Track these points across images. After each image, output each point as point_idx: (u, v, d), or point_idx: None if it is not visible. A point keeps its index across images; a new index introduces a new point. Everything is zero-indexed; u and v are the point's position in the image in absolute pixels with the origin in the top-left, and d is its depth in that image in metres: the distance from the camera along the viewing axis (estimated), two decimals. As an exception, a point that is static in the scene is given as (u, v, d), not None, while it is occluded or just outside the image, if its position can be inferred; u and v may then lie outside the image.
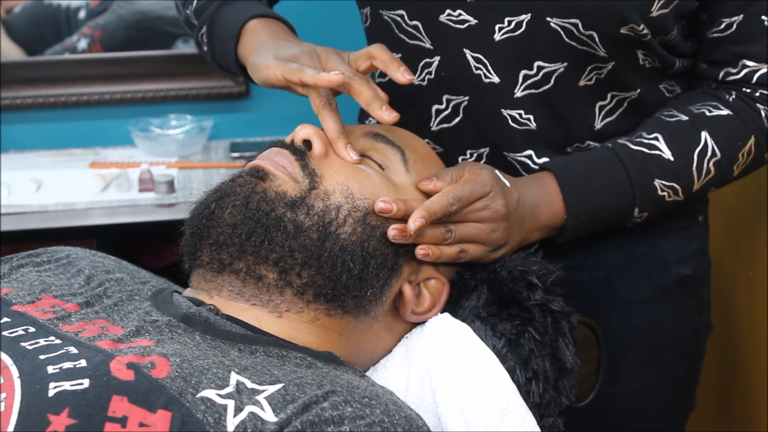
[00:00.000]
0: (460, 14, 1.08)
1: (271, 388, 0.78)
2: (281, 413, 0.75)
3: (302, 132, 0.99)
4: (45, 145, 2.26)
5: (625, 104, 1.14)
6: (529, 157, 1.14)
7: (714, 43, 1.13)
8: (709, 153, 1.10)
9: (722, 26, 1.11)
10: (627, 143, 1.11)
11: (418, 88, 1.15)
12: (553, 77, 1.09)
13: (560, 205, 1.08)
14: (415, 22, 1.12)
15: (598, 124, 1.14)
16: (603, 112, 1.14)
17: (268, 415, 0.75)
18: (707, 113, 1.12)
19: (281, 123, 2.30)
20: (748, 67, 1.11)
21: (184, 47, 2.30)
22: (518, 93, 1.10)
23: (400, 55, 1.15)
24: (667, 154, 1.10)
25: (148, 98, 2.27)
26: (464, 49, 1.10)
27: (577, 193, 1.08)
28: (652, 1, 1.04)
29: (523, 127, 1.12)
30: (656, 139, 1.10)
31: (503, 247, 1.03)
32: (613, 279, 1.22)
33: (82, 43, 2.29)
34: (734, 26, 1.10)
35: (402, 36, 1.14)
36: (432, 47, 1.12)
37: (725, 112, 1.12)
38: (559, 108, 1.12)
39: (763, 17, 1.09)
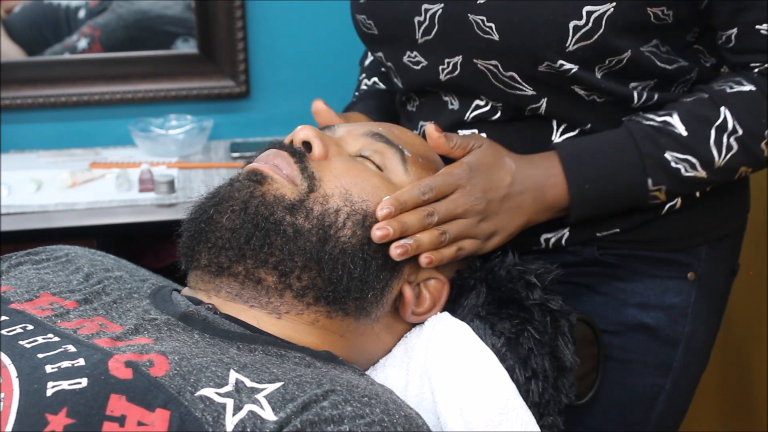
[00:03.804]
0: (416, 56, 1.13)
1: (271, 387, 0.78)
2: (281, 412, 0.75)
3: (302, 133, 0.99)
4: (45, 145, 2.26)
5: (580, 132, 1.13)
6: None
7: (723, 52, 1.11)
8: (730, 128, 1.06)
9: (723, 38, 1.09)
10: (639, 119, 1.09)
11: (409, 113, 1.23)
12: (499, 109, 1.12)
13: (563, 178, 1.07)
14: (389, 63, 1.18)
15: (557, 138, 1.13)
16: (562, 128, 1.13)
17: (268, 414, 0.75)
18: (728, 89, 1.08)
19: (281, 123, 2.30)
20: (758, 68, 1.08)
21: (184, 47, 2.30)
22: (468, 118, 1.14)
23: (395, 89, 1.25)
24: (680, 128, 1.07)
25: (148, 98, 2.27)
26: (425, 87, 1.16)
27: (578, 162, 1.07)
28: (565, 36, 1.02)
29: None
30: (669, 115, 1.08)
31: (495, 235, 1.04)
32: (568, 298, 1.19)
33: (82, 43, 2.28)
34: (733, 39, 1.08)
35: (389, 73, 1.22)
36: (402, 87, 1.19)
37: (747, 87, 1.08)
38: (509, 133, 1.13)
39: (757, 26, 1.06)
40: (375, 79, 1.37)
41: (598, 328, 1.13)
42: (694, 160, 1.07)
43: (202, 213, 0.95)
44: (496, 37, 1.04)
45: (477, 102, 1.13)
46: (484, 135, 1.13)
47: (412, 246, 0.95)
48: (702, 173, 1.07)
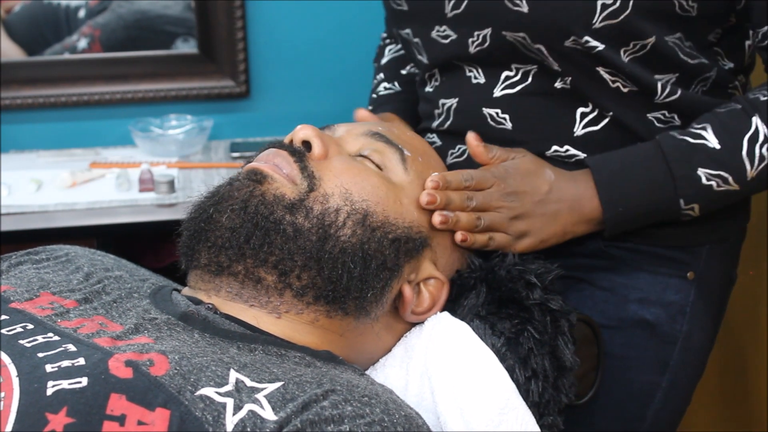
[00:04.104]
0: (444, 29, 1.15)
1: (271, 387, 0.78)
2: (281, 412, 0.75)
3: (302, 133, 0.99)
4: (45, 145, 2.26)
5: (608, 118, 1.13)
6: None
7: (759, 51, 1.11)
8: (761, 138, 1.07)
9: (760, 36, 1.09)
10: (674, 134, 1.09)
11: (427, 95, 1.25)
12: (530, 75, 1.13)
13: (598, 200, 1.09)
14: (417, 39, 1.20)
15: (579, 131, 1.14)
16: (585, 121, 1.14)
17: (268, 414, 0.75)
18: (761, 98, 1.08)
19: (281, 123, 2.30)
20: None
21: (184, 47, 2.30)
22: (497, 92, 1.15)
23: (417, 68, 1.26)
24: (713, 142, 1.07)
25: (148, 98, 2.27)
26: (453, 61, 1.17)
27: (611, 188, 1.09)
28: (593, 12, 1.04)
29: (499, 126, 1.16)
30: (704, 129, 1.08)
31: (527, 237, 1.07)
32: (570, 292, 1.20)
33: (82, 43, 2.28)
34: None
35: (414, 50, 1.23)
36: (427, 62, 1.20)
37: None
38: (535, 110, 1.14)
39: None
40: (396, 82, 1.38)
41: (598, 328, 1.13)
42: (726, 174, 1.07)
43: (201, 212, 0.95)
44: (525, 9, 1.06)
45: (507, 73, 1.14)
46: (507, 116, 1.16)
47: (452, 220, 1.01)
48: (734, 186, 1.08)
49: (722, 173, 1.07)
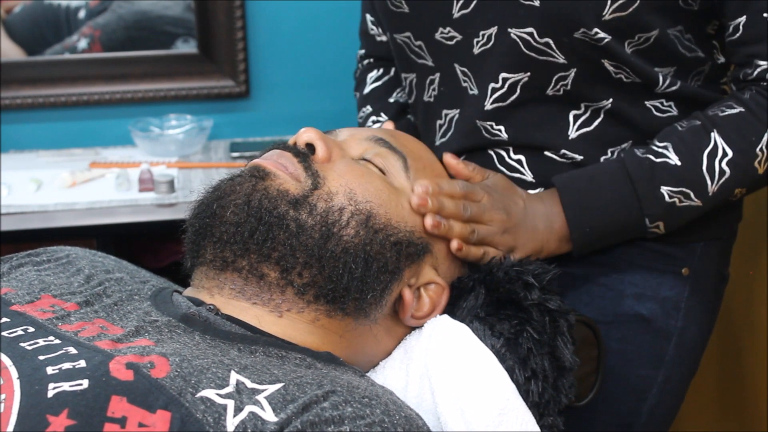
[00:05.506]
0: (449, 31, 1.15)
1: (271, 388, 0.78)
2: (281, 413, 0.76)
3: (305, 135, 0.99)
4: (45, 145, 2.26)
5: (602, 114, 1.15)
6: (507, 151, 1.18)
7: (729, 47, 1.13)
8: (720, 153, 1.09)
9: (731, 29, 1.11)
10: (636, 151, 1.12)
11: (427, 105, 1.23)
12: (519, 87, 1.14)
13: (565, 219, 1.11)
14: (419, 42, 1.19)
15: (573, 134, 1.15)
16: (578, 123, 1.15)
17: (269, 415, 0.75)
18: (720, 114, 1.11)
19: (281, 123, 2.30)
20: (760, 66, 1.10)
21: (184, 47, 2.31)
22: (488, 105, 1.15)
23: (414, 74, 1.23)
24: (674, 159, 1.10)
25: (148, 98, 2.27)
26: (454, 64, 1.17)
27: (579, 209, 1.11)
28: (604, 4, 1.06)
29: (495, 138, 1.17)
30: (666, 147, 1.11)
31: (514, 252, 1.07)
32: (567, 289, 1.21)
33: (82, 43, 2.29)
34: (740, 28, 1.10)
35: (412, 56, 1.22)
36: (433, 64, 1.19)
37: (737, 110, 1.10)
38: (529, 118, 1.15)
39: (765, 15, 1.08)
40: (383, 113, 1.37)
41: (599, 329, 1.13)
42: (687, 190, 1.10)
43: (205, 208, 0.95)
44: (536, 2, 1.08)
45: (493, 85, 1.15)
46: (503, 127, 1.17)
47: (445, 226, 1.00)
48: (696, 202, 1.11)
49: (684, 189, 1.10)
